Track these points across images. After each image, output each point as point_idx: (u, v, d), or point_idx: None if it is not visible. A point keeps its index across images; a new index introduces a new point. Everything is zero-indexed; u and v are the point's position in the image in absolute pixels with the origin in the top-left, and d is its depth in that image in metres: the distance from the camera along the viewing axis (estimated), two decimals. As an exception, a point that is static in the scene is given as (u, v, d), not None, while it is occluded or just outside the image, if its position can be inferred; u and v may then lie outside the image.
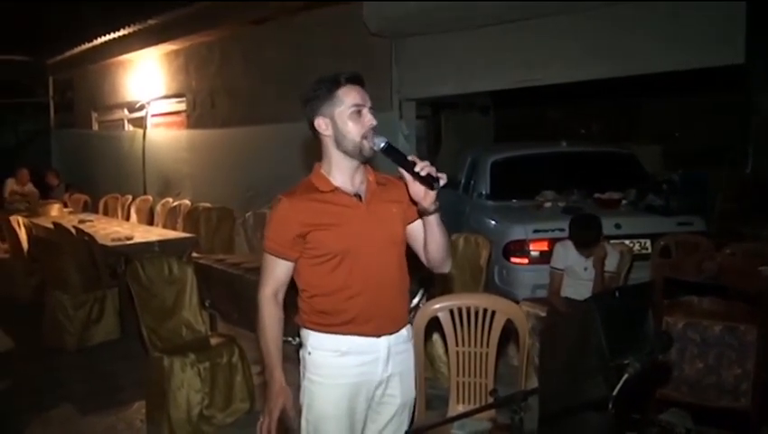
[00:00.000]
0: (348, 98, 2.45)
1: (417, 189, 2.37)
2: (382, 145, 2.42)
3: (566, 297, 5.19)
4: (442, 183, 2.34)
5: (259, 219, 8.17)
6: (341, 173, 2.53)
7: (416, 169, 2.32)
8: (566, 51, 6.94)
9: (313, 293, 2.56)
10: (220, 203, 9.46)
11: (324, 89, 2.47)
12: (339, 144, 2.49)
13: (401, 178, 2.43)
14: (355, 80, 2.49)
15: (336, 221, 2.47)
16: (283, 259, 2.53)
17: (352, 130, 2.45)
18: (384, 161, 2.50)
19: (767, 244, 5.98)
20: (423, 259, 2.67)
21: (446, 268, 2.69)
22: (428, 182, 2.33)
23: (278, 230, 2.51)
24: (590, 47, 6.76)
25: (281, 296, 2.58)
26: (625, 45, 6.59)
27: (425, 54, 7.99)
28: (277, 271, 2.55)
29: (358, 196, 2.54)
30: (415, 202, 2.44)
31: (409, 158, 2.36)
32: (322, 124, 2.49)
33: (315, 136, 2.56)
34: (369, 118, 2.46)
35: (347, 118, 2.45)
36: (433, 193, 2.37)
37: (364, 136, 2.45)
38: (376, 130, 2.47)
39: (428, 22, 7.64)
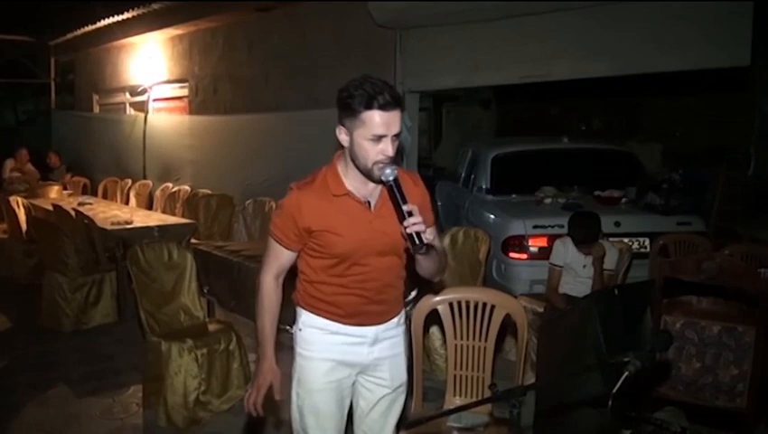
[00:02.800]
0: (372, 124, 2.33)
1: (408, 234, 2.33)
2: (390, 179, 2.35)
3: (564, 294, 5.20)
4: (423, 251, 2.31)
5: (259, 207, 8.16)
6: (356, 176, 2.50)
7: (405, 224, 2.28)
8: (570, 48, 6.92)
9: (311, 280, 2.63)
10: (220, 190, 9.44)
11: (355, 102, 2.33)
12: (352, 157, 2.45)
13: (418, 176, 2.55)
14: (389, 106, 2.33)
15: (342, 227, 2.49)
16: (287, 248, 2.59)
17: (366, 155, 2.38)
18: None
19: (766, 245, 6.00)
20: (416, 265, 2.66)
21: (435, 280, 2.76)
22: (413, 240, 2.29)
23: (285, 220, 2.54)
24: (594, 45, 6.75)
25: (281, 279, 2.66)
26: (630, 44, 6.57)
27: (429, 46, 7.97)
28: (280, 258, 2.62)
29: (368, 203, 2.53)
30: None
31: (404, 208, 2.30)
32: (342, 133, 2.43)
33: None
34: (385, 149, 2.36)
35: (363, 141, 2.36)
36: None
37: (375, 163, 2.38)
38: (391, 161, 2.39)
39: (433, 14, 7.63)
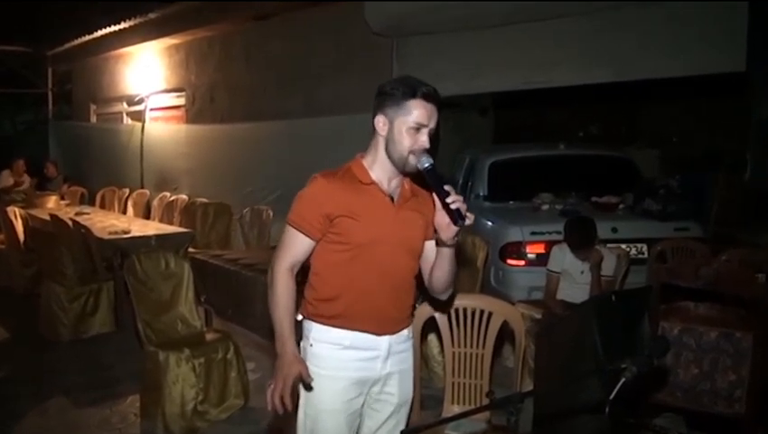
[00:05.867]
0: (415, 111, 2.45)
1: (442, 219, 2.42)
2: (426, 165, 2.44)
3: (562, 300, 5.20)
4: (468, 222, 2.37)
5: (256, 215, 8.16)
6: (382, 170, 2.55)
7: (448, 200, 2.36)
8: (568, 55, 6.92)
9: (324, 279, 2.58)
10: (218, 199, 9.43)
11: (399, 93, 2.46)
12: (387, 147, 2.51)
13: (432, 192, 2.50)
14: (430, 97, 2.47)
15: (366, 214, 2.49)
16: (305, 235, 2.53)
17: (404, 143, 2.46)
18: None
19: (763, 251, 6.00)
20: (425, 280, 2.71)
21: (445, 296, 2.76)
22: (454, 217, 2.36)
23: (308, 206, 2.51)
24: (592, 51, 6.75)
25: (295, 271, 2.58)
26: (627, 50, 6.58)
27: (426, 54, 7.97)
28: (297, 247, 2.55)
29: (390, 198, 2.57)
30: (436, 230, 2.47)
31: (445, 187, 2.39)
32: (380, 122, 2.51)
33: (374, 127, 2.58)
34: (424, 140, 2.47)
35: (404, 130, 2.46)
36: (454, 229, 2.41)
37: (412, 152, 2.46)
38: (426, 151, 2.48)
39: (430, 22, 7.64)
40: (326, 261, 2.57)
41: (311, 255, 2.59)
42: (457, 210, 2.35)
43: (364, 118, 2.73)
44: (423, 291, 3.33)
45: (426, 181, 2.49)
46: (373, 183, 2.54)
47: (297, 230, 2.53)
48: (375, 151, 2.55)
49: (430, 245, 2.64)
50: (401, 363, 2.67)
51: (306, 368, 2.52)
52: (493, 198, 6.92)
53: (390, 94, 2.47)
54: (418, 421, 3.35)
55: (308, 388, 2.57)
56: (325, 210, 2.48)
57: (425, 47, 8.00)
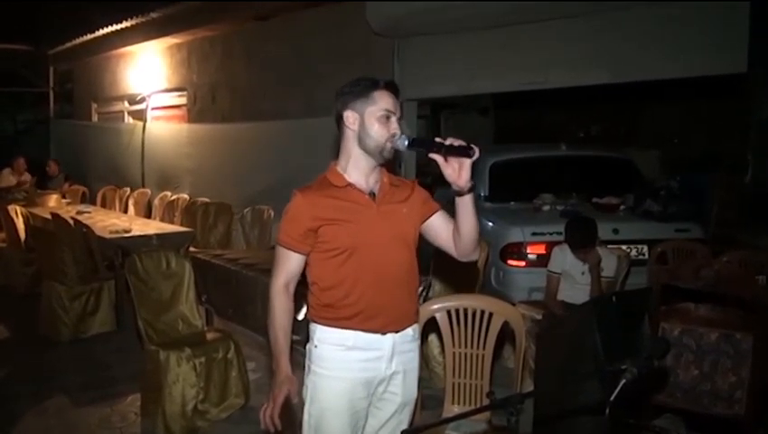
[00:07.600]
0: (382, 101, 2.54)
1: (451, 169, 2.44)
2: (406, 142, 2.53)
3: (563, 301, 5.20)
4: (475, 156, 2.39)
5: (257, 215, 8.16)
6: (357, 170, 2.60)
7: (448, 143, 2.40)
8: (568, 56, 6.92)
9: (322, 286, 2.61)
10: (219, 198, 9.43)
11: (362, 87, 2.56)
12: (361, 141, 2.57)
13: (415, 181, 2.61)
14: (392, 87, 2.60)
15: (347, 217, 2.53)
16: (294, 252, 2.59)
17: (378, 132, 2.54)
18: (410, 158, 2.56)
19: (763, 252, 6.00)
20: (452, 249, 2.73)
21: (476, 255, 2.78)
22: (463, 151, 2.39)
23: (291, 223, 2.57)
24: (592, 52, 6.75)
25: (292, 287, 2.63)
26: (628, 51, 6.57)
27: (427, 54, 7.97)
28: (289, 264, 2.61)
29: (371, 195, 2.60)
30: (449, 185, 2.49)
31: (437, 140, 2.44)
32: (350, 117, 2.57)
33: (339, 130, 2.64)
34: (394, 126, 2.56)
35: (375, 120, 2.54)
36: (467, 168, 2.42)
37: (388, 140, 2.54)
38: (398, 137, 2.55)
39: (431, 22, 7.63)
40: (321, 269, 2.60)
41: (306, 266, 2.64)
42: (460, 145, 2.39)
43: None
44: (426, 287, 3.33)
45: (417, 156, 2.56)
46: (349, 185, 2.58)
47: (286, 248, 2.60)
48: (347, 152, 2.62)
49: (435, 220, 2.72)
50: (406, 364, 2.68)
51: (295, 387, 2.57)
52: (494, 198, 6.89)
53: (352, 91, 2.57)
54: (419, 421, 3.36)
55: (314, 388, 2.61)
56: (306, 224, 2.54)
57: (425, 47, 8.01)
